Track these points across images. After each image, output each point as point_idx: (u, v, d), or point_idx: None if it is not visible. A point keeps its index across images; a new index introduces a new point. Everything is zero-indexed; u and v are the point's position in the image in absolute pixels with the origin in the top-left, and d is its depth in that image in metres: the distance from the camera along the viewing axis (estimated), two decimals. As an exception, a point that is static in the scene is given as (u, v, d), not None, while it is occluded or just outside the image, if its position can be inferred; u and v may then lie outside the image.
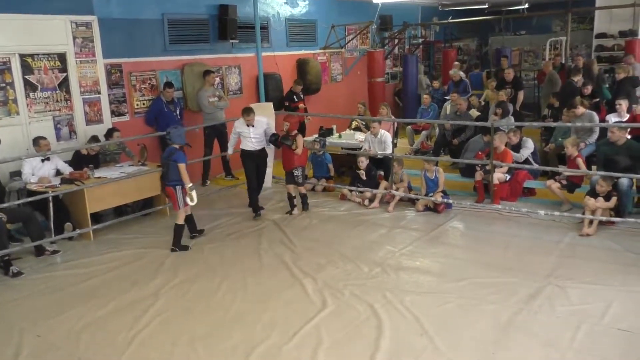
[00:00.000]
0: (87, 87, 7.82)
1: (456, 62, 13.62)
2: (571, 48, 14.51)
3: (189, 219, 6.61)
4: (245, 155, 7.54)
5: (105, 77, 8.02)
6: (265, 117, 7.66)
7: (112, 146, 7.73)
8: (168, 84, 8.50)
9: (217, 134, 9.03)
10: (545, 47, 14.60)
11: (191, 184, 6.16)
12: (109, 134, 7.64)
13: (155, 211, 7.57)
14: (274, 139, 7.54)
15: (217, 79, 9.48)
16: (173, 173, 6.16)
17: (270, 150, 7.95)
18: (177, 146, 6.25)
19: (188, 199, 6.18)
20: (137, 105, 8.54)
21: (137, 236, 6.90)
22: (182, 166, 6.12)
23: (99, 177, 6.97)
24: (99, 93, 7.99)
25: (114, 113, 8.21)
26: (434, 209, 7.33)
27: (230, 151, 7.95)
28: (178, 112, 8.60)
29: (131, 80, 8.42)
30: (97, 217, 7.09)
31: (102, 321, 4.76)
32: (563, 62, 12.59)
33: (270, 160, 8.06)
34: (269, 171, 8.19)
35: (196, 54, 9.29)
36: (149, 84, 8.66)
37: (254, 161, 7.54)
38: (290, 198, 7.55)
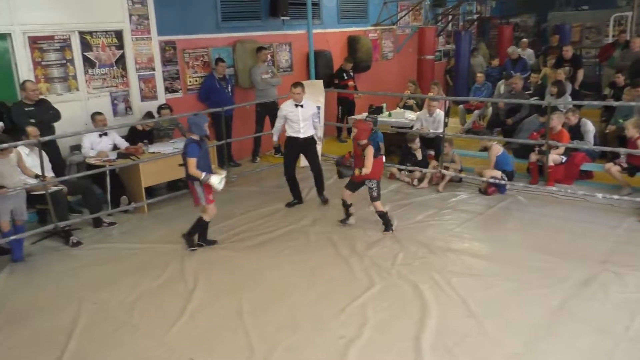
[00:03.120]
0: (142, 63, 8.00)
1: (524, 40, 13.14)
2: (637, 24, 13.74)
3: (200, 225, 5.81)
4: (290, 143, 6.91)
5: (159, 54, 8.19)
6: (316, 106, 7.15)
7: (165, 122, 7.91)
8: (220, 59, 8.60)
9: (269, 111, 9.08)
10: (609, 23, 13.87)
11: (204, 174, 5.43)
12: (158, 111, 7.82)
13: (206, 186, 7.72)
14: (337, 164, 6.29)
15: (269, 56, 9.51)
16: None
17: (320, 127, 7.91)
18: (195, 137, 5.45)
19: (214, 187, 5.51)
20: (190, 82, 8.68)
21: (188, 211, 7.05)
22: (190, 161, 5.40)
23: (153, 152, 7.16)
24: (154, 70, 8.17)
25: (167, 89, 8.39)
26: (484, 191, 7.18)
27: (275, 138, 7.16)
28: (229, 88, 8.71)
29: (184, 57, 8.55)
30: (151, 191, 7.32)
31: (154, 292, 4.94)
32: (628, 39, 11.95)
33: (320, 133, 7.61)
34: (319, 148, 8.15)
35: (248, 31, 9.33)
36: (202, 60, 8.78)
37: (299, 150, 6.98)
38: (345, 205, 6.28)
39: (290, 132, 6.91)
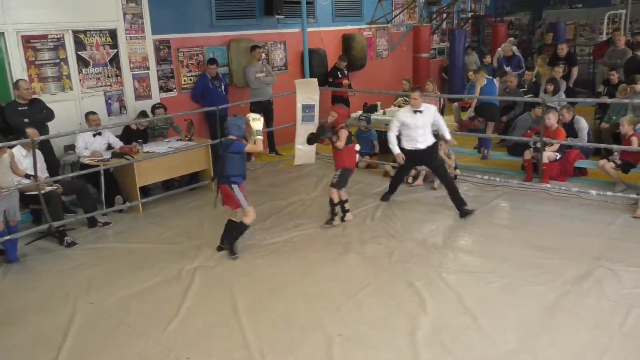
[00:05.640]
0: (136, 63, 7.98)
1: (511, 38, 13.18)
2: (631, 22, 13.80)
3: (232, 226, 5.62)
4: (408, 156, 6.29)
5: (153, 53, 8.17)
6: (434, 105, 6.50)
7: (160, 121, 7.89)
8: (211, 61, 8.58)
9: (263, 109, 9.05)
10: (603, 21, 13.93)
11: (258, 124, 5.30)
12: (152, 110, 7.81)
13: (202, 186, 7.71)
14: (311, 137, 6.53)
15: (264, 55, 9.50)
16: (230, 167, 5.32)
17: (314, 126, 7.92)
18: (234, 137, 5.40)
19: (252, 132, 5.31)
20: (185, 81, 8.67)
21: (183, 210, 7.07)
22: (246, 149, 5.37)
23: (148, 152, 7.14)
24: (148, 69, 8.15)
25: (162, 89, 8.37)
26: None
27: (395, 150, 6.35)
28: (223, 87, 8.70)
29: (179, 56, 8.54)
30: (145, 191, 7.31)
31: (150, 291, 4.93)
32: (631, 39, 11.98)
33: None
34: (313, 148, 8.15)
35: (242, 30, 9.32)
36: (196, 59, 8.76)
37: (418, 163, 6.43)
38: (333, 204, 6.21)
39: (406, 144, 6.26)
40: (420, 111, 6.20)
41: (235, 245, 5.57)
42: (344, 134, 6.09)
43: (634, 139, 6.82)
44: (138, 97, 8.07)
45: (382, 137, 8.84)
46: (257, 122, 5.35)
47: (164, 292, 4.90)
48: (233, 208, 5.53)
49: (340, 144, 6.05)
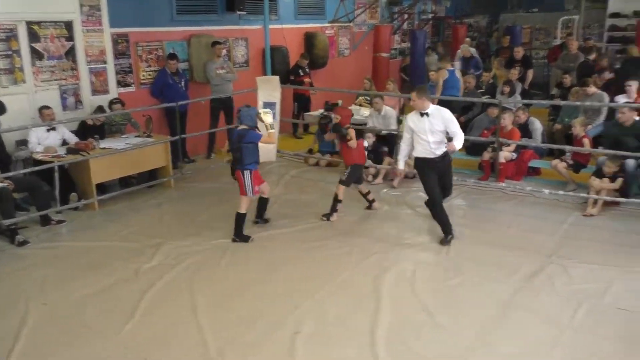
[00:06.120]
0: (93, 56, 7.78)
1: (467, 39, 13.45)
2: (584, 27, 14.31)
3: (262, 202, 6.14)
4: (423, 164, 5.57)
5: (111, 46, 7.97)
6: (435, 105, 5.68)
7: (117, 117, 7.72)
8: (171, 56, 8.44)
9: (224, 106, 8.99)
10: (558, 26, 14.38)
11: (268, 123, 5.62)
12: (110, 105, 7.64)
13: (160, 183, 7.59)
14: (323, 122, 6.49)
15: (225, 51, 9.41)
16: (247, 156, 5.55)
17: (276, 123, 7.90)
18: (246, 127, 5.58)
19: (266, 126, 5.68)
20: (143, 76, 8.50)
21: (141, 208, 6.94)
22: (261, 141, 5.62)
23: (105, 148, 6.98)
24: (105, 63, 7.95)
25: (120, 83, 8.18)
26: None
27: (401, 165, 5.88)
28: (183, 83, 8.57)
29: (137, 51, 8.36)
30: (102, 188, 7.13)
31: (107, 291, 4.82)
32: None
33: (276, 133, 7.82)
34: (273, 146, 8.14)
35: (203, 25, 9.20)
36: (156, 54, 8.61)
37: (436, 171, 5.56)
38: (336, 200, 6.30)
39: (420, 152, 5.54)
40: (427, 114, 5.39)
41: (242, 234, 5.82)
42: (353, 132, 6.25)
43: (585, 141, 7.09)
44: (95, 91, 7.86)
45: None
46: (267, 115, 5.62)
47: (121, 291, 4.80)
48: (240, 193, 5.75)
49: (354, 142, 6.20)
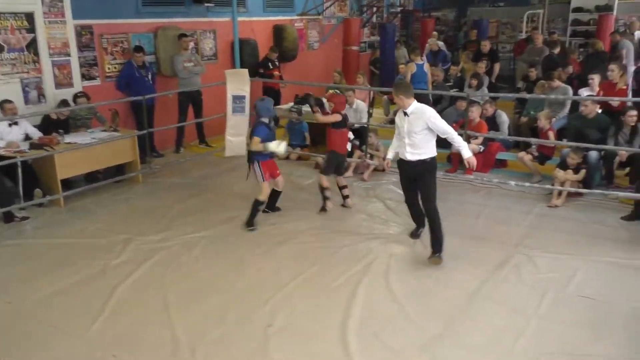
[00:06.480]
0: (56, 48, 7.58)
1: (434, 32, 13.58)
2: (548, 21, 14.60)
3: (275, 194, 6.20)
4: (398, 164, 5.29)
5: (75, 38, 7.78)
6: (427, 108, 5.09)
7: (82, 111, 7.55)
8: (137, 48, 8.28)
9: (192, 100, 8.88)
10: (523, 20, 14.63)
11: (263, 145, 5.68)
12: (74, 99, 7.46)
13: (128, 178, 7.47)
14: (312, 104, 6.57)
15: (192, 44, 9.28)
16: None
17: (245, 117, 7.86)
18: (265, 120, 5.79)
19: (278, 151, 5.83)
20: (109, 69, 8.32)
21: (108, 203, 6.82)
22: (255, 139, 5.70)
23: (69, 143, 6.82)
24: (69, 55, 7.75)
25: (84, 77, 8.00)
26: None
27: (389, 155, 5.49)
28: (150, 77, 8.42)
29: (102, 43, 8.18)
30: (67, 184, 6.97)
31: (74, 288, 4.73)
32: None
33: (244, 129, 7.86)
34: (242, 139, 8.09)
35: (170, 17, 9.05)
36: (121, 47, 8.43)
37: (409, 174, 5.19)
38: (323, 190, 6.32)
39: (399, 150, 5.24)
40: (406, 113, 4.99)
41: (253, 222, 5.91)
42: (333, 117, 6.25)
43: (550, 133, 7.25)
44: (58, 85, 7.67)
45: (313, 128, 8.92)
46: (276, 142, 5.82)
47: (88, 289, 4.72)
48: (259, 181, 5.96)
49: (318, 115, 6.32)
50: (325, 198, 6.36)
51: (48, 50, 7.48)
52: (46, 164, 6.56)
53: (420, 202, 5.28)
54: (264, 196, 5.93)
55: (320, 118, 6.34)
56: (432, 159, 5.08)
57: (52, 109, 7.37)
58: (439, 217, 5.10)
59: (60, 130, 6.99)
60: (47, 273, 5.00)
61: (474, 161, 5.04)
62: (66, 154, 6.65)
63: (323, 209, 6.36)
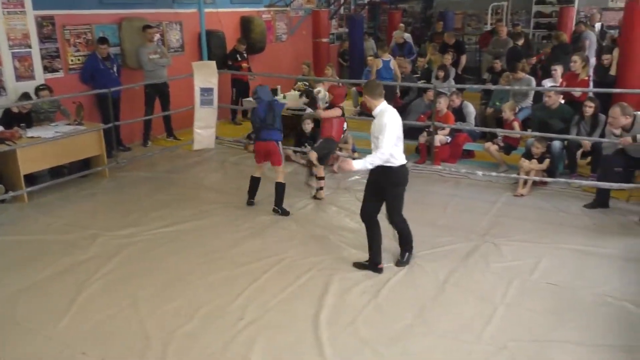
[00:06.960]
0: (16, 40, 7.34)
1: (401, 25, 13.66)
2: (512, 14, 14.85)
3: (257, 183, 6.31)
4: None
5: (36, 29, 7.55)
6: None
7: (45, 104, 7.36)
8: (101, 40, 8.10)
9: (159, 92, 8.75)
10: (488, 12, 14.83)
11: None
12: (36, 92, 7.27)
13: (94, 172, 7.33)
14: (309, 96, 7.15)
15: (158, 35, 9.12)
16: (281, 126, 6.03)
17: (213, 109, 7.79)
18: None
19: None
20: (72, 61, 8.12)
21: (74, 199, 6.68)
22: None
23: (32, 137, 6.65)
24: (30, 47, 7.52)
25: (46, 69, 7.78)
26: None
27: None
28: (115, 69, 8.26)
29: (65, 34, 7.98)
30: (31, 179, 6.80)
31: (40, 286, 4.64)
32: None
33: (213, 122, 7.82)
34: (212, 132, 8.04)
35: (135, 8, 8.87)
36: (84, 38, 8.24)
37: (372, 182, 4.76)
38: (310, 165, 6.62)
39: None
40: (372, 116, 4.64)
41: (282, 206, 6.07)
42: (335, 111, 6.32)
43: (515, 124, 7.40)
44: (19, 77, 7.44)
45: (283, 121, 8.87)
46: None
47: (55, 286, 4.63)
48: (277, 164, 6.07)
49: (321, 111, 6.41)
50: (310, 174, 6.64)
51: (7, 42, 7.25)
52: (8, 159, 6.39)
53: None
54: (283, 178, 6.10)
55: (323, 114, 6.37)
56: (393, 170, 4.52)
57: (13, 102, 7.16)
58: (407, 227, 4.86)
59: (22, 124, 6.81)
60: (11, 270, 4.88)
61: (348, 167, 4.53)
62: (29, 149, 6.48)
63: (315, 189, 6.58)
